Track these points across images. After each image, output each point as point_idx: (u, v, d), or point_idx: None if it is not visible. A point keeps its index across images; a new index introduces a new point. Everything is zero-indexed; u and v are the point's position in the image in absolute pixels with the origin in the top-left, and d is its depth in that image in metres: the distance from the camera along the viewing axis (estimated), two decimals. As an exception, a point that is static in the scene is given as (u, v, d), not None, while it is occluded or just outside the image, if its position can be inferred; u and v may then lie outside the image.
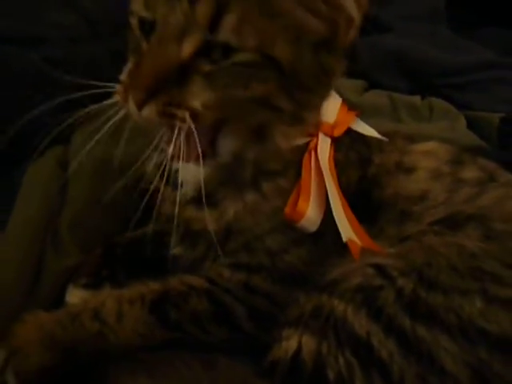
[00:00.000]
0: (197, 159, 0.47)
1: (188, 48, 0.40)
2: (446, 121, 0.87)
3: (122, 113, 0.44)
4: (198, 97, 0.41)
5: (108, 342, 0.46)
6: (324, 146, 0.52)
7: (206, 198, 0.49)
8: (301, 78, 0.44)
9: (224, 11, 0.39)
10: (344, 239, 0.46)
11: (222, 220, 0.50)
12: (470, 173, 0.55)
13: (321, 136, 0.52)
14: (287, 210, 0.48)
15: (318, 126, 0.52)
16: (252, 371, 0.42)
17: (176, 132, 0.42)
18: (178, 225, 0.53)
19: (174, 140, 0.46)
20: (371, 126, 0.82)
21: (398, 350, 0.36)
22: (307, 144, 0.51)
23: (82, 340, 0.46)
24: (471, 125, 0.86)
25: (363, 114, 0.90)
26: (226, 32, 0.39)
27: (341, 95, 0.91)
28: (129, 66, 0.45)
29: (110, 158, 0.61)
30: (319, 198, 0.49)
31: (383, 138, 0.57)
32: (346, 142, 0.55)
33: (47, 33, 0.63)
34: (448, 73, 0.95)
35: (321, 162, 0.50)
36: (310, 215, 0.48)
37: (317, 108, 0.50)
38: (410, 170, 0.55)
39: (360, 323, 0.38)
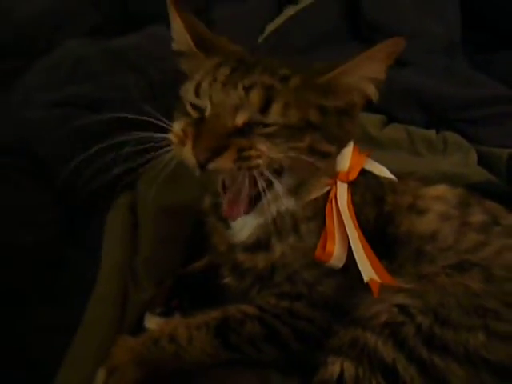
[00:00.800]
0: (244, 212, 0.58)
1: (241, 119, 0.52)
2: (459, 154, 0.96)
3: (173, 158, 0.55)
4: (263, 146, 0.52)
5: (183, 361, 0.57)
6: (342, 193, 0.62)
7: (256, 244, 0.61)
8: (330, 133, 0.56)
9: (272, 100, 0.52)
10: (365, 279, 0.56)
11: (269, 260, 0.61)
12: (475, 216, 0.64)
13: (338, 184, 0.62)
14: (317, 253, 0.58)
15: (335, 175, 0.62)
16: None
17: (248, 174, 0.51)
18: (229, 260, 0.65)
19: (233, 185, 0.56)
20: (391, 159, 0.93)
21: (418, 375, 0.47)
22: (328, 192, 0.62)
23: (164, 359, 0.57)
24: (482, 159, 0.94)
25: (383, 147, 1.00)
26: (274, 115, 0.52)
27: (363, 129, 1.03)
28: (180, 124, 0.55)
29: (171, 201, 0.72)
30: (343, 239, 0.59)
31: (394, 178, 0.67)
32: (361, 184, 0.64)
33: (113, 95, 0.75)
34: (461, 107, 1.03)
35: (341, 210, 0.60)
36: (336, 255, 0.58)
37: (335, 159, 0.61)
38: (421, 212, 0.65)
39: (387, 353, 0.48)
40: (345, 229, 0.59)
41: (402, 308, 0.51)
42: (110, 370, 0.55)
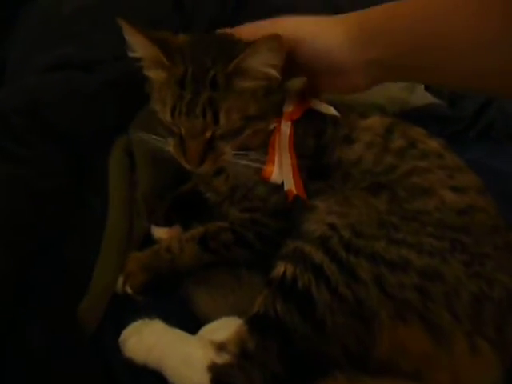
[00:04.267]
0: None
1: (208, 135, 0.72)
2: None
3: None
4: (226, 148, 0.73)
5: (177, 265, 0.79)
6: (285, 129, 0.79)
7: (218, 170, 0.81)
8: (265, 114, 0.76)
9: (219, 112, 0.71)
10: (285, 188, 0.77)
11: (230, 182, 0.82)
12: (395, 142, 0.80)
13: (282, 122, 0.80)
14: (262, 172, 0.78)
15: (282, 114, 0.80)
16: (261, 281, 0.74)
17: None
18: (206, 183, 0.86)
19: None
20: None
21: (337, 270, 0.64)
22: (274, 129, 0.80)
23: (162, 265, 0.79)
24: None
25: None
26: (223, 121, 0.71)
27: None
28: (171, 144, 0.76)
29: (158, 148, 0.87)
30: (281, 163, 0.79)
31: (337, 115, 0.82)
32: (306, 119, 0.82)
33: (102, 55, 0.86)
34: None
35: (281, 142, 0.78)
36: (274, 176, 0.78)
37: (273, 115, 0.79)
38: (352, 142, 0.81)
39: (317, 257, 0.66)
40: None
41: (332, 226, 0.69)
42: (126, 275, 0.78)
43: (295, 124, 0.81)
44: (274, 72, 0.73)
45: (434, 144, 0.82)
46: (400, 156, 0.78)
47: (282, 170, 0.78)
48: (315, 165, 0.81)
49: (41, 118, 0.79)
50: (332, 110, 0.83)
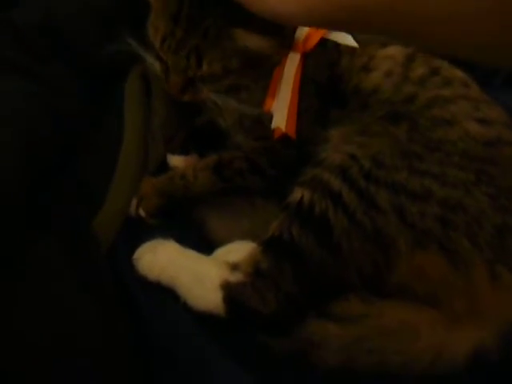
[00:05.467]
0: None
1: (190, 74, 0.68)
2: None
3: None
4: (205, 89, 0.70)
5: (190, 191, 0.79)
6: (292, 62, 0.71)
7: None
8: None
9: (202, 59, 0.67)
10: (272, 126, 0.72)
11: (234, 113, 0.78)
12: (416, 71, 0.74)
13: (290, 54, 0.71)
14: (264, 106, 0.73)
15: (291, 46, 0.71)
16: (276, 208, 0.72)
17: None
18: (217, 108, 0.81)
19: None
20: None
21: (355, 198, 0.63)
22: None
23: (176, 190, 0.79)
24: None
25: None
26: (205, 69, 0.67)
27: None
28: (158, 66, 0.72)
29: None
30: None
31: (355, 45, 0.73)
32: (318, 50, 0.73)
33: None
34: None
35: (284, 74, 0.71)
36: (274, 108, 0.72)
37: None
38: (370, 70, 0.76)
39: (336, 184, 0.64)
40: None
41: (351, 156, 0.67)
42: (139, 198, 0.78)
43: (306, 55, 0.73)
44: (270, 51, 0.67)
45: (458, 73, 0.77)
46: (421, 84, 0.73)
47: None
48: (330, 93, 0.77)
49: (55, 33, 0.76)
50: (350, 40, 0.74)
